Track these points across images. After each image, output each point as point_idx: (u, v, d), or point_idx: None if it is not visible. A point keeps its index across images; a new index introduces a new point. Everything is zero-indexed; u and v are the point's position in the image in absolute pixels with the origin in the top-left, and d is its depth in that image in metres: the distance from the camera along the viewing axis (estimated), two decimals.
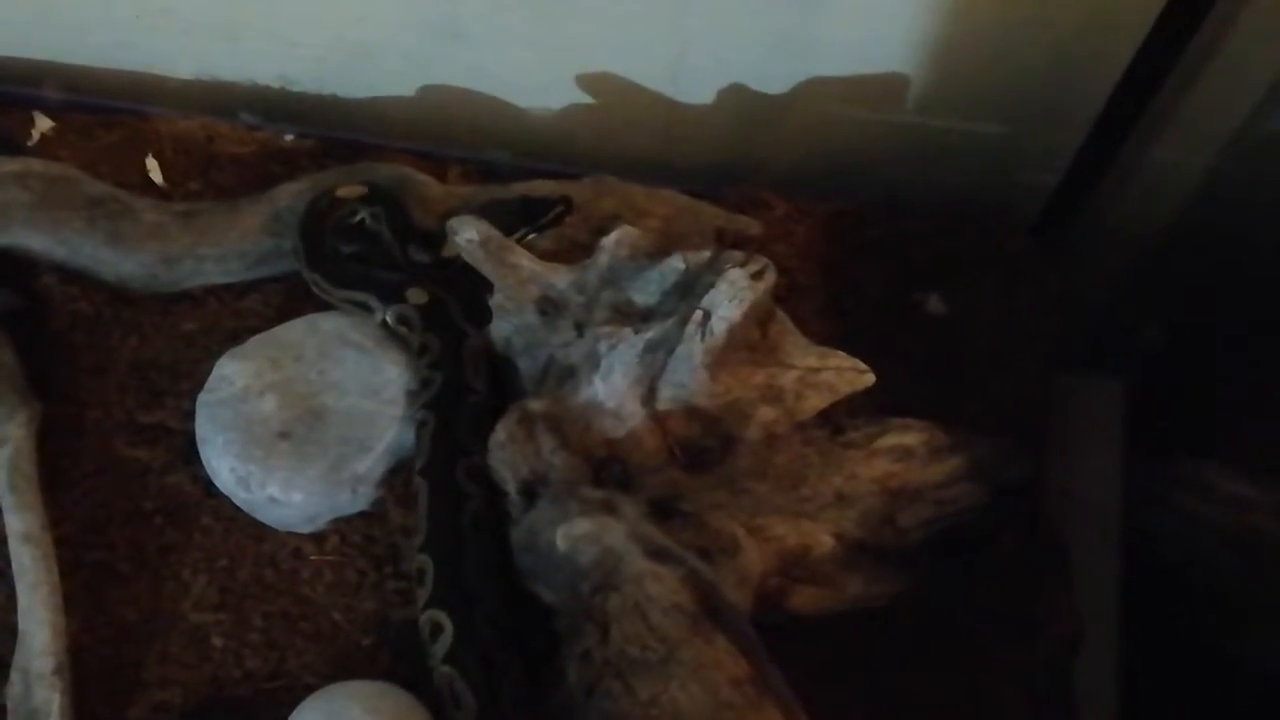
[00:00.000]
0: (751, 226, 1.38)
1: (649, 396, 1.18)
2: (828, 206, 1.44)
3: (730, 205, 1.41)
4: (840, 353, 1.22)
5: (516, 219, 1.31)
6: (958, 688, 1.21)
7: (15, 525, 1.19)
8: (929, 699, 1.20)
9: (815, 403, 1.22)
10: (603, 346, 1.19)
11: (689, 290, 1.20)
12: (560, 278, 1.25)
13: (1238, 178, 1.41)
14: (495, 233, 1.26)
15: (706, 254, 1.22)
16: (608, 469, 1.17)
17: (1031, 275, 1.41)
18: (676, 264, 1.22)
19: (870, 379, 1.22)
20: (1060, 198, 1.45)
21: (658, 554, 1.06)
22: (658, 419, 1.19)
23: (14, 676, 1.14)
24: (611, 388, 1.18)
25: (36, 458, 1.24)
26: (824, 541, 1.17)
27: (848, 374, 1.21)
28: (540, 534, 1.13)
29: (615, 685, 1.02)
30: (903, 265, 1.42)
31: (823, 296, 1.39)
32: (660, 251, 1.25)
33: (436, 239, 1.32)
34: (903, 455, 1.22)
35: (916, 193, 1.46)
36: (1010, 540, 1.26)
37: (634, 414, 1.18)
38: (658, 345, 1.19)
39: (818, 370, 1.21)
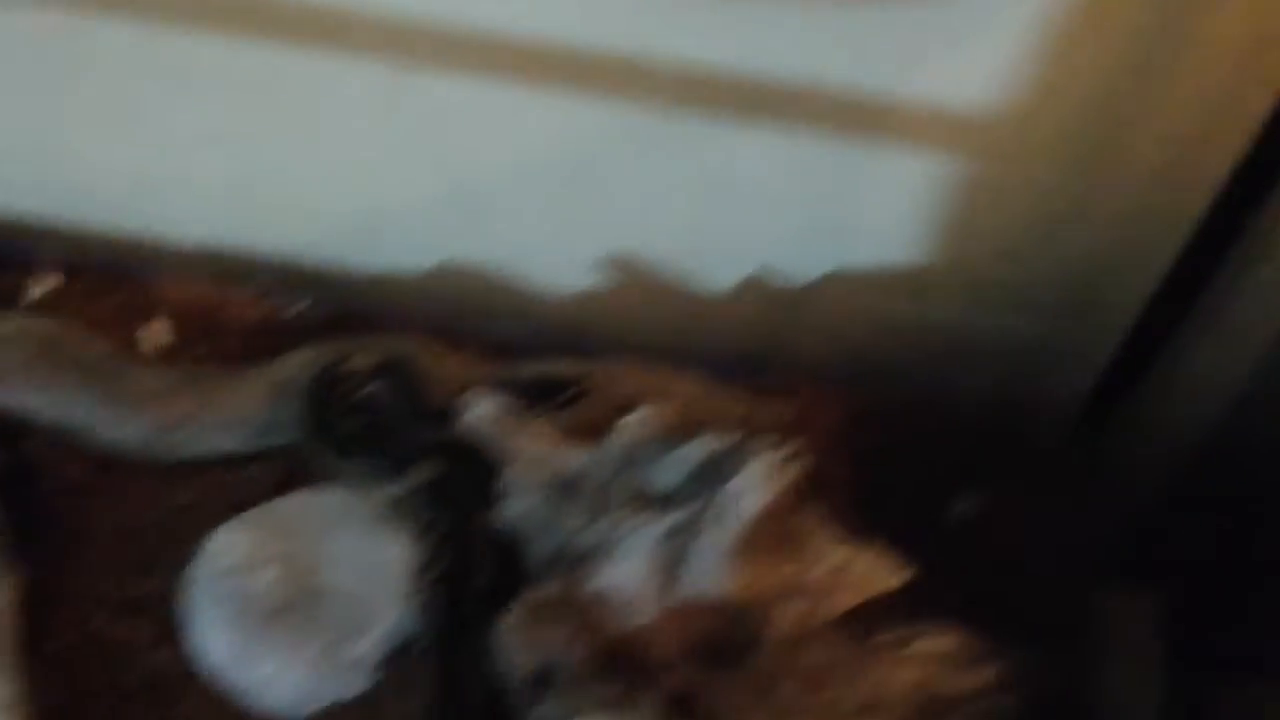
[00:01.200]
0: (778, 413, 1.36)
1: (668, 587, 1.14)
2: (855, 398, 1.41)
3: (754, 392, 1.38)
4: (872, 548, 1.19)
5: (530, 398, 1.28)
6: None
7: None
8: None
9: (845, 600, 1.18)
10: (620, 532, 1.16)
11: (713, 475, 1.17)
12: (575, 458, 1.22)
13: None
14: (509, 409, 1.23)
15: (734, 437, 1.19)
16: (623, 663, 1.12)
17: (1067, 480, 1.39)
18: (701, 447, 1.19)
19: (904, 577, 1.18)
20: (1098, 399, 1.43)
21: None
22: (677, 611, 1.14)
23: None
24: (628, 576, 1.14)
25: (17, 626, 1.19)
26: None
27: (880, 571, 1.18)
28: None
29: None
30: (932, 464, 1.39)
31: (847, 492, 1.35)
32: (683, 435, 1.21)
33: (447, 415, 1.29)
34: (936, 662, 1.17)
35: (948, 389, 1.44)
36: None
37: (651, 605, 1.14)
38: (679, 532, 1.15)
39: (848, 565, 1.18)
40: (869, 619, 1.19)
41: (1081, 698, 1.26)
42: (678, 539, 1.15)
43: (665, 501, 1.18)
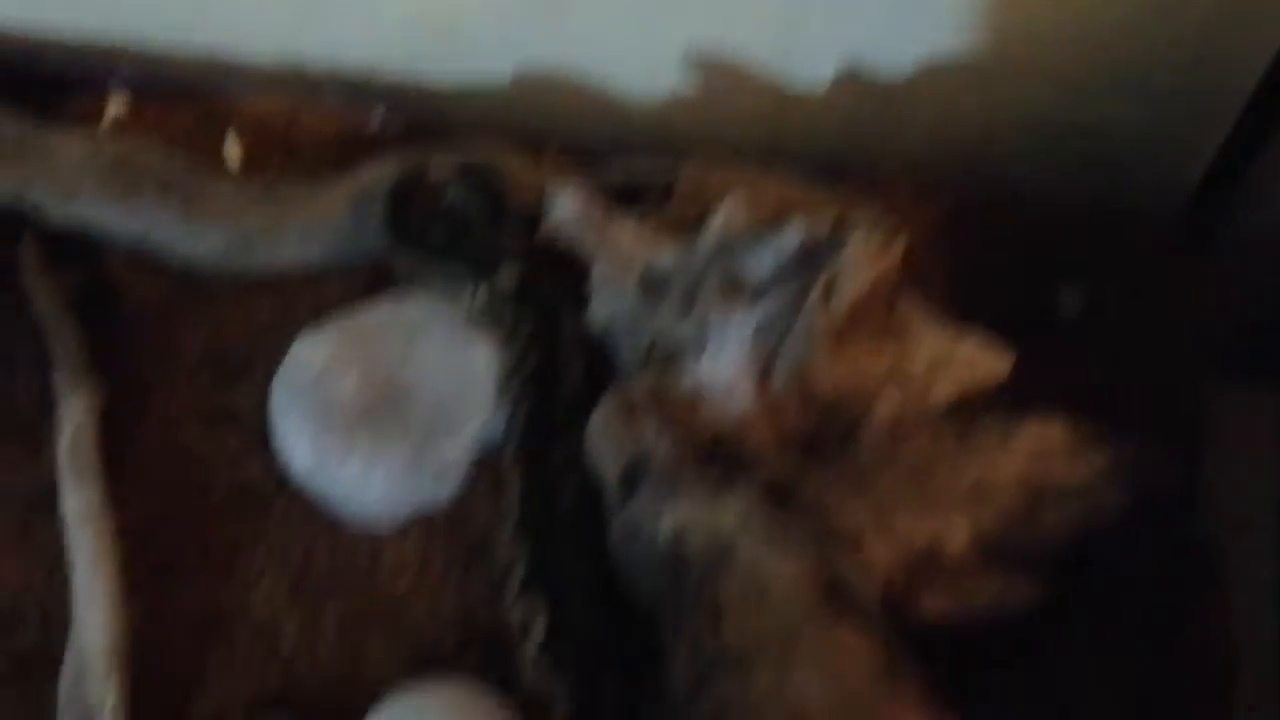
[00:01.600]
0: (872, 212, 1.31)
1: (762, 379, 1.10)
2: (954, 194, 1.36)
3: (848, 190, 1.33)
4: (975, 336, 1.14)
5: (616, 198, 1.24)
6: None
7: (74, 505, 1.14)
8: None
9: (946, 390, 1.13)
10: (712, 325, 1.12)
11: (809, 262, 1.12)
12: (665, 254, 1.18)
13: None
14: (596, 205, 1.19)
15: (828, 222, 1.14)
16: (716, 457, 1.09)
17: (1178, 274, 1.32)
18: (795, 235, 1.14)
19: (1008, 366, 1.14)
20: (1209, 189, 1.37)
21: (774, 538, 0.98)
22: (772, 405, 1.11)
23: (67, 667, 1.08)
24: (721, 369, 1.10)
25: (99, 440, 1.18)
26: (957, 539, 1.07)
27: (984, 360, 1.13)
28: (641, 525, 1.05)
29: (728, 678, 0.95)
30: (1034, 261, 1.33)
31: (949, 287, 1.30)
32: (777, 224, 1.17)
33: (530, 220, 1.25)
34: (1043, 451, 1.13)
35: (1051, 184, 1.38)
36: (1159, 553, 1.17)
37: (745, 398, 1.10)
38: (773, 322, 1.11)
39: (950, 354, 1.13)
40: (971, 411, 1.14)
41: (1195, 495, 1.20)
42: (773, 329, 1.11)
43: (759, 292, 1.13)
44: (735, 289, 1.14)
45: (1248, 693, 1.16)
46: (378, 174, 1.31)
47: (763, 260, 1.15)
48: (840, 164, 1.39)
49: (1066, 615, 1.12)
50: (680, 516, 1.02)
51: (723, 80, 1.41)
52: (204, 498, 1.19)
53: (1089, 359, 1.28)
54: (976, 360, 1.13)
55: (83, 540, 1.12)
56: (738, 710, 0.94)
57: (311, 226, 1.29)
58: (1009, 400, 1.16)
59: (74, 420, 1.17)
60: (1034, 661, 1.12)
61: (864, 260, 1.10)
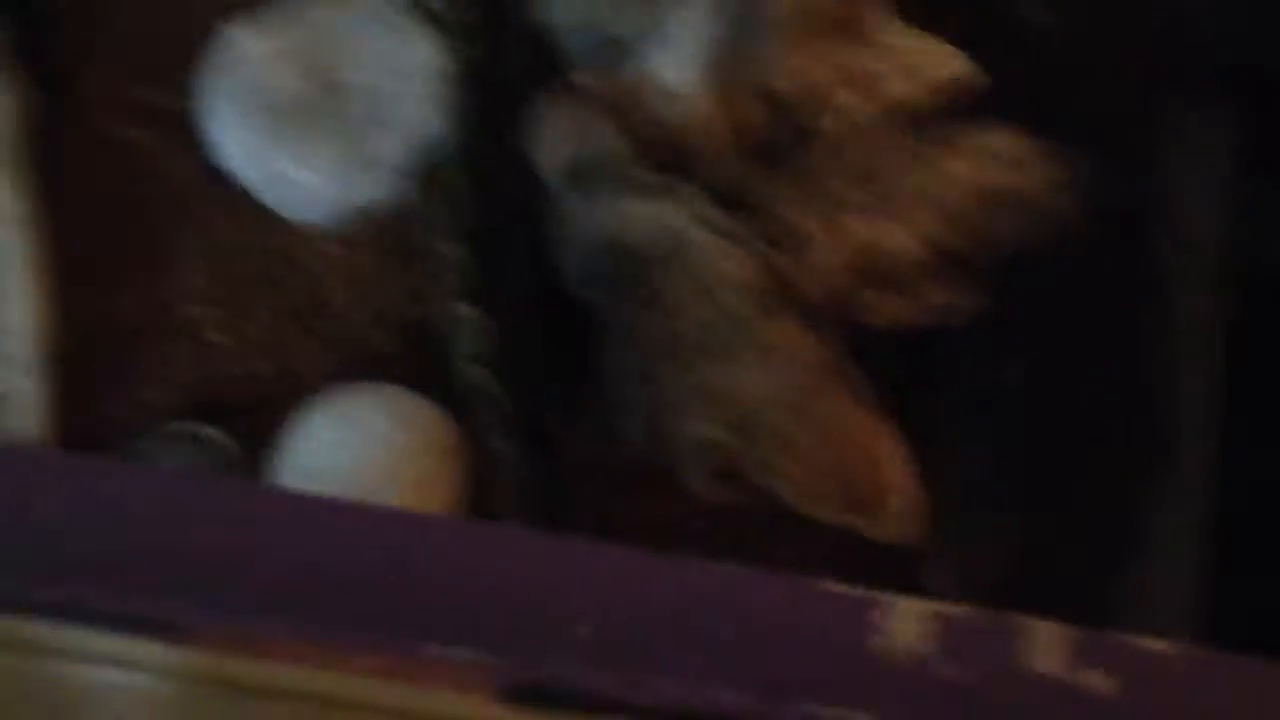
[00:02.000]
0: None
1: (715, 74, 1.06)
2: None
3: None
4: (935, 39, 1.10)
5: None
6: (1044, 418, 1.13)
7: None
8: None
9: (901, 89, 1.10)
10: (662, 17, 1.08)
11: None
12: None
13: None
14: None
15: None
16: (666, 155, 1.05)
17: None
18: None
19: (965, 65, 1.10)
20: None
21: (724, 232, 0.96)
22: (724, 102, 1.07)
23: None
24: (672, 62, 1.06)
25: (22, 134, 1.13)
26: (904, 243, 1.06)
27: (938, 56, 1.10)
28: (588, 222, 1.02)
29: (670, 369, 0.95)
30: None
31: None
32: None
33: None
34: (995, 157, 1.11)
35: None
36: (1107, 266, 1.16)
37: (697, 93, 1.06)
38: (726, 14, 1.07)
39: (908, 51, 1.10)
40: (925, 115, 1.11)
41: (1149, 204, 1.19)
42: (726, 22, 1.07)
43: None
44: None
45: (1188, 406, 1.16)
46: None
47: None
48: None
49: (1009, 325, 1.12)
50: (628, 208, 1.00)
51: None
52: (132, 195, 1.15)
53: (1046, 65, 1.25)
54: (935, 62, 1.10)
55: (6, 238, 1.08)
56: (677, 402, 0.93)
57: None
58: (966, 108, 1.13)
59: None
60: (975, 370, 1.12)
61: None
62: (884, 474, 0.91)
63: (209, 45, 1.16)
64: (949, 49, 1.10)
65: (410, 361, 1.09)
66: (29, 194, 1.11)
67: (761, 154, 1.07)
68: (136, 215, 1.14)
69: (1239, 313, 1.21)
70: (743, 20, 1.07)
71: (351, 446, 1.03)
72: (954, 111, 1.13)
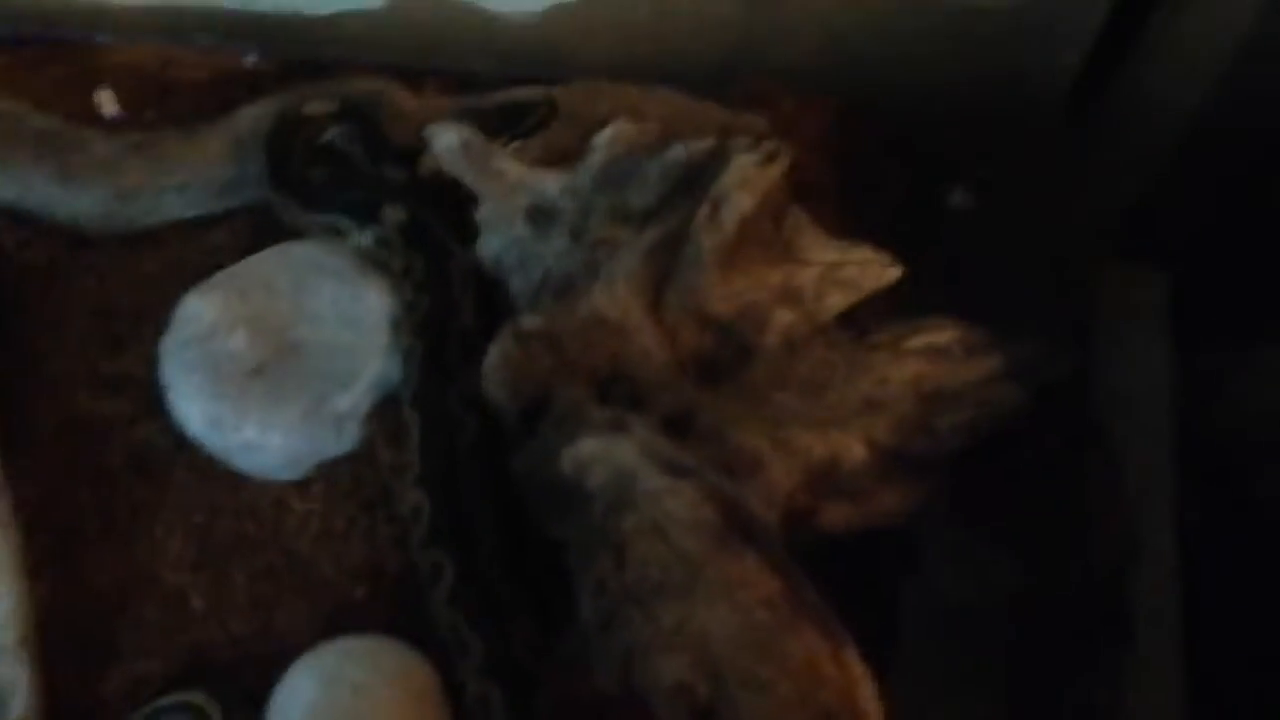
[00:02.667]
0: (757, 124, 1.28)
1: (656, 305, 1.09)
2: (838, 99, 1.34)
3: (733, 104, 1.30)
4: (864, 246, 1.13)
5: (497, 126, 1.21)
6: (1003, 613, 1.14)
7: None
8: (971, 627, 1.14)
9: (837, 301, 1.13)
10: (602, 254, 1.10)
11: (693, 185, 1.11)
12: (551, 183, 1.16)
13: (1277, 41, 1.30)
14: (477, 137, 1.17)
15: (710, 143, 1.13)
16: (615, 388, 1.08)
17: (1062, 161, 1.33)
18: (678, 156, 1.13)
19: (897, 272, 1.13)
20: (1088, 76, 1.36)
21: (675, 470, 0.97)
22: (666, 329, 1.09)
23: None
24: (614, 298, 1.09)
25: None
26: (855, 451, 1.08)
27: (872, 268, 1.13)
28: (544, 461, 1.03)
29: (635, 613, 0.94)
30: (923, 158, 1.33)
31: (837, 197, 1.29)
32: (659, 147, 1.15)
33: (414, 155, 1.23)
34: (936, 355, 1.13)
35: (934, 80, 1.36)
36: (1054, 445, 1.18)
37: (640, 325, 1.09)
38: (662, 247, 1.10)
39: (839, 266, 1.12)
40: (864, 320, 1.14)
41: (1089, 379, 1.21)
42: (662, 254, 1.10)
43: (646, 217, 1.12)
44: (623, 217, 1.12)
45: (1145, 574, 1.17)
46: (254, 118, 1.28)
47: (648, 184, 1.13)
48: (725, 74, 1.37)
49: (965, 509, 1.14)
50: (582, 451, 1.00)
51: None
52: (101, 464, 1.16)
53: (980, 250, 1.28)
54: (865, 270, 1.13)
55: None
56: (646, 646, 0.94)
57: (192, 178, 1.26)
58: (904, 301, 1.15)
59: None
60: (931, 559, 1.14)
61: (748, 179, 1.08)
62: (852, 701, 0.92)
63: (166, 308, 1.19)
64: (880, 256, 1.13)
65: (387, 610, 1.09)
66: (2, 472, 1.12)
67: (707, 376, 1.10)
68: (110, 486, 1.15)
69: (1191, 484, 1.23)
70: (676, 246, 1.09)
71: (336, 703, 1.03)
72: (892, 311, 1.15)
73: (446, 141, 1.17)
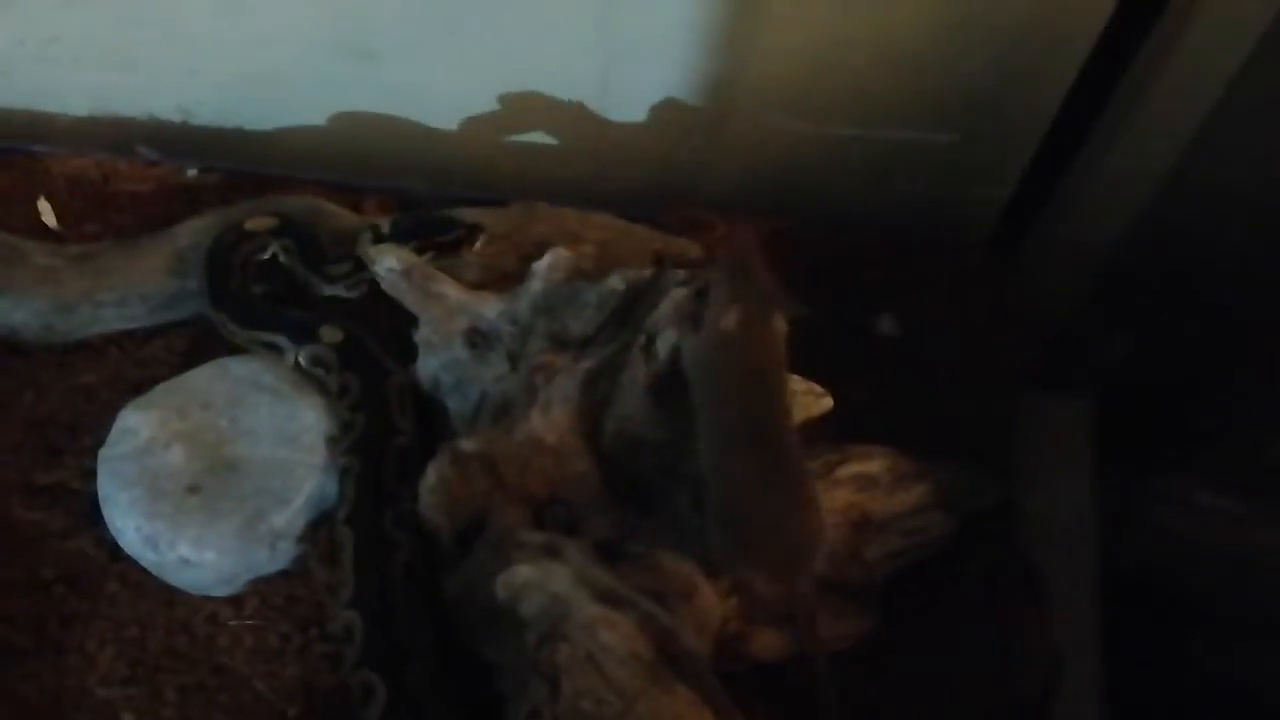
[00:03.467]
0: (691, 249, 1.33)
1: (592, 430, 1.11)
2: (770, 226, 1.36)
3: (668, 228, 1.34)
4: (794, 376, 1.15)
5: (427, 239, 1.24)
6: None
7: None
8: None
9: None
10: (540, 379, 1.12)
11: (629, 314, 1.14)
12: (490, 307, 1.19)
13: (1195, 182, 1.35)
14: (418, 261, 1.19)
15: (647, 274, 1.16)
16: (551, 511, 1.10)
17: (988, 291, 1.36)
18: (616, 285, 1.16)
19: (829, 403, 1.16)
20: (1015, 209, 1.41)
21: (609, 599, 0.99)
22: (602, 454, 1.11)
23: None
24: (551, 423, 1.11)
25: None
26: None
27: (804, 399, 1.15)
28: (478, 585, 1.05)
29: None
30: (851, 286, 1.36)
31: None
32: (597, 275, 1.17)
33: (352, 273, 1.25)
34: (866, 484, 1.15)
35: (863, 209, 1.41)
36: (979, 571, 1.20)
37: (577, 450, 1.11)
38: (599, 375, 1.12)
39: None
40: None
41: (1014, 507, 1.23)
42: (599, 382, 1.12)
43: (584, 343, 1.14)
44: (561, 343, 1.14)
45: (1069, 695, 1.19)
46: (193, 233, 1.30)
47: (585, 313, 1.15)
48: (661, 198, 1.40)
49: (893, 640, 1.14)
50: (516, 577, 1.01)
51: (539, 122, 1.40)
52: (34, 576, 1.16)
53: (906, 377, 1.30)
54: (799, 401, 1.14)
55: None
56: None
57: (131, 292, 1.27)
58: (832, 429, 1.17)
59: None
60: (863, 687, 1.13)
61: (682, 315, 1.11)
62: None
63: (103, 420, 1.19)
64: (812, 386, 1.15)
65: None
66: None
67: (642, 502, 1.11)
68: (38, 596, 1.15)
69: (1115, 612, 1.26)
70: (612, 376, 1.12)
71: None
72: (820, 435, 1.17)
73: (388, 264, 1.19)
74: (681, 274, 1.15)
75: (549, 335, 1.16)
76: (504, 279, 1.25)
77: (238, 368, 1.21)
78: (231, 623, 1.14)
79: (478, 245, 1.26)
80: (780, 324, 1.10)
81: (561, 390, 1.12)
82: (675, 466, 1.12)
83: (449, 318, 1.18)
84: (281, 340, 1.21)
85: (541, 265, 1.18)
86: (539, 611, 0.99)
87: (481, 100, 1.40)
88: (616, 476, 1.12)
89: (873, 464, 1.16)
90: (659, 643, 0.97)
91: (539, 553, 1.03)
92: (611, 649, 0.96)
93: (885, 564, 1.15)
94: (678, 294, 1.11)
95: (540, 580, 1.00)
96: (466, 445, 1.11)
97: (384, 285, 1.20)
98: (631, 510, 1.11)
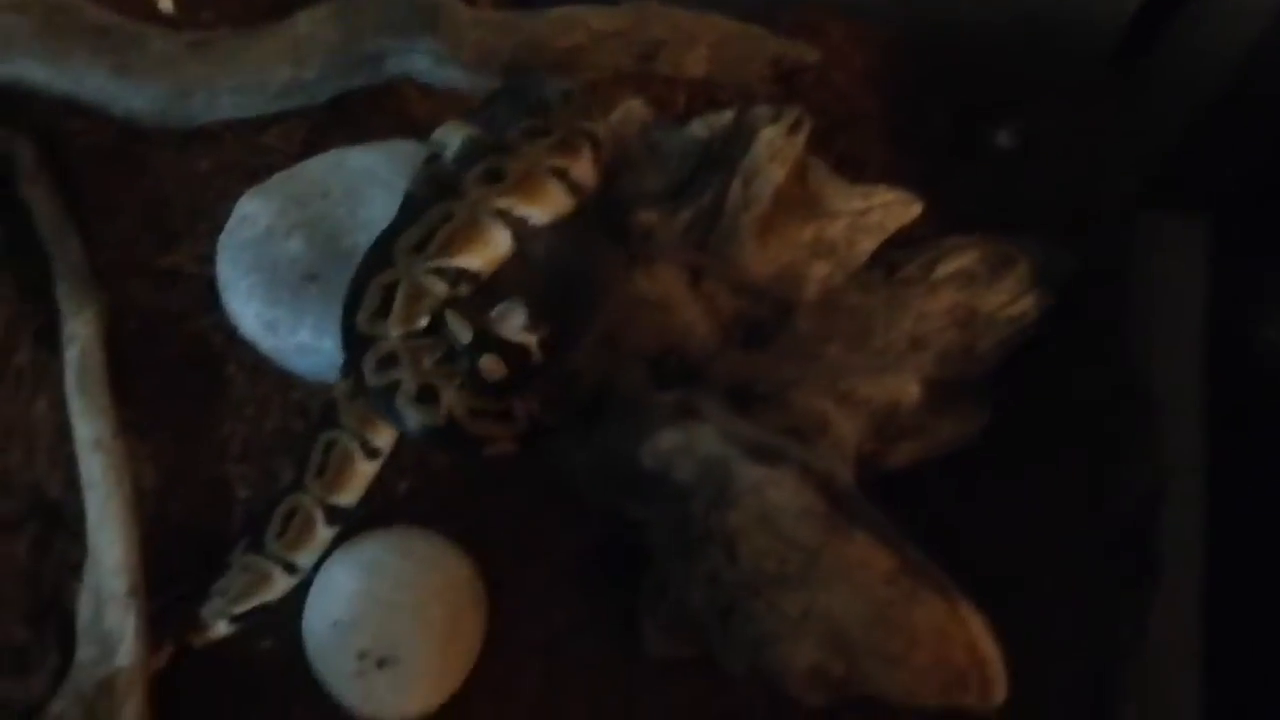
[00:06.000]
0: (808, 53, 1.36)
1: (695, 279, 1.15)
2: (888, 32, 1.41)
3: (783, 31, 1.37)
4: (882, 187, 1.21)
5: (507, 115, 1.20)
6: (1030, 546, 1.20)
7: (84, 432, 1.17)
8: (998, 560, 1.17)
9: (867, 246, 1.20)
10: (637, 237, 1.16)
11: (719, 158, 1.17)
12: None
13: None
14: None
15: (728, 115, 1.19)
16: (665, 365, 1.13)
17: (1109, 105, 1.38)
18: (698, 133, 1.19)
19: (919, 208, 1.21)
20: (1140, 22, 1.41)
21: (764, 454, 1.02)
22: (706, 300, 1.15)
23: (84, 597, 1.12)
24: (655, 278, 1.14)
25: (104, 360, 1.21)
26: (911, 391, 1.14)
27: (895, 208, 1.20)
28: (615, 450, 1.08)
29: (757, 605, 1.00)
30: (969, 94, 1.39)
31: (883, 126, 1.36)
32: (688, 108, 1.24)
33: None
34: (965, 280, 1.20)
35: (983, 17, 1.41)
36: (1086, 387, 1.24)
37: (682, 300, 1.15)
38: (697, 223, 1.16)
39: (865, 212, 1.19)
40: (888, 254, 1.21)
41: (1123, 322, 1.28)
42: (698, 230, 1.15)
43: (675, 194, 1.17)
44: (652, 198, 1.17)
45: (1173, 520, 1.24)
46: (312, 23, 1.33)
47: (670, 164, 1.19)
48: (773, 4, 1.41)
49: (1004, 447, 1.19)
50: (662, 443, 1.04)
51: None
52: (158, 358, 1.24)
53: (1023, 191, 1.33)
54: (890, 211, 1.20)
55: (96, 470, 1.16)
56: (774, 635, 0.99)
57: (248, 80, 1.31)
58: (938, 234, 1.22)
59: (81, 339, 1.20)
60: (969, 491, 1.19)
61: (777, 151, 1.14)
62: (979, 655, 0.96)
63: (220, 208, 1.26)
64: (901, 195, 1.20)
65: (432, 504, 1.18)
66: (113, 419, 1.18)
67: (753, 340, 1.16)
68: (162, 376, 1.23)
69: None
70: (712, 220, 1.16)
71: (375, 592, 1.11)
72: (922, 238, 1.22)
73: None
74: (768, 110, 1.17)
75: (638, 194, 1.18)
76: (619, 79, 1.28)
77: (355, 159, 1.26)
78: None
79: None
80: None
81: (661, 245, 1.15)
82: (788, 299, 1.17)
83: None
84: None
85: (613, 119, 1.21)
86: (696, 477, 1.03)
87: None
88: (725, 319, 1.16)
89: (966, 256, 1.21)
90: (826, 491, 1.01)
91: (675, 412, 1.06)
92: (783, 508, 1.00)
93: (997, 352, 1.20)
94: (770, 132, 1.15)
95: (687, 443, 1.04)
96: None
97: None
98: (746, 350, 1.15)
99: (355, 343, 1.08)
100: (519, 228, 1.09)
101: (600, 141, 1.14)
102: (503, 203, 1.08)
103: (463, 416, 1.07)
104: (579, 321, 1.12)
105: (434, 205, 1.08)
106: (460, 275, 1.08)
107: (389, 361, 1.07)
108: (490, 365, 1.08)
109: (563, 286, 1.13)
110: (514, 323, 1.10)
